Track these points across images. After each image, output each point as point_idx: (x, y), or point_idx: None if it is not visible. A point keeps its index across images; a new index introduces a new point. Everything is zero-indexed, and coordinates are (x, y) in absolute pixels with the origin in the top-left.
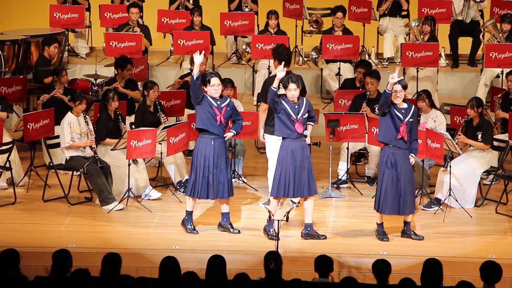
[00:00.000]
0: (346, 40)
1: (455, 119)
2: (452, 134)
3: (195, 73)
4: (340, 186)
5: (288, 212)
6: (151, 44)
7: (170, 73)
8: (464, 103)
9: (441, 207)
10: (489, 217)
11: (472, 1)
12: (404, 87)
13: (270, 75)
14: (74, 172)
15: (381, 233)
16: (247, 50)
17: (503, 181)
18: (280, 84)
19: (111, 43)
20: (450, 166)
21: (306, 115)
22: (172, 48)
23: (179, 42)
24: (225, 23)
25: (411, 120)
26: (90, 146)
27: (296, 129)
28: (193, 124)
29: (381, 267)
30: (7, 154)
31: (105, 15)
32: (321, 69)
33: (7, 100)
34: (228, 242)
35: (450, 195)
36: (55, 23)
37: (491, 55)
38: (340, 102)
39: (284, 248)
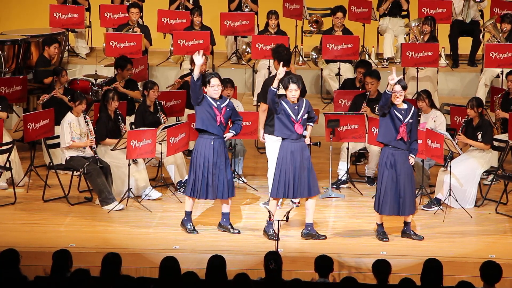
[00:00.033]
0: (346, 40)
1: (455, 119)
2: (452, 134)
3: (196, 74)
4: (340, 186)
5: (288, 212)
6: (151, 45)
7: (170, 73)
8: (464, 103)
9: (441, 207)
10: (489, 217)
11: (472, 1)
12: (404, 88)
13: (270, 75)
14: (74, 172)
15: (381, 233)
16: (247, 50)
17: (503, 181)
18: (280, 84)
19: (111, 43)
20: (450, 166)
21: (306, 116)
22: (172, 48)
23: (179, 42)
24: (225, 23)
25: (410, 120)
26: (90, 146)
27: (295, 130)
28: (193, 124)
29: (381, 267)
30: (7, 154)
31: (105, 15)
32: (321, 69)
33: (7, 100)
34: (228, 242)
35: (450, 195)
36: (55, 23)
37: (491, 55)
38: (340, 102)
39: (284, 248)
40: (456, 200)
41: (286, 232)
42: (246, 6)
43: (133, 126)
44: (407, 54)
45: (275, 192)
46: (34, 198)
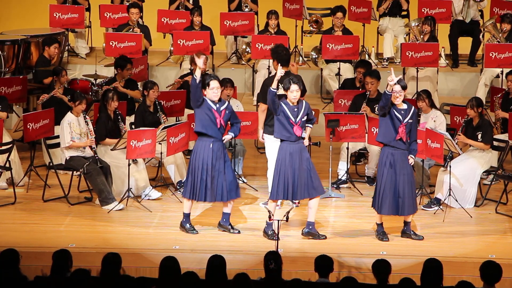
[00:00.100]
0: (346, 40)
1: (455, 119)
2: (452, 134)
3: (198, 75)
4: (340, 186)
5: (288, 212)
6: (150, 45)
7: (170, 73)
8: (464, 103)
9: (441, 207)
10: (489, 217)
11: (472, 1)
12: (404, 88)
13: (270, 75)
14: (74, 172)
15: (381, 233)
16: (247, 50)
17: (503, 181)
18: (280, 84)
19: (111, 43)
20: (450, 166)
21: (305, 118)
22: (172, 48)
23: (179, 42)
24: (225, 23)
25: (410, 121)
26: (90, 146)
27: (294, 132)
28: (193, 124)
29: (381, 267)
30: (7, 154)
31: (105, 15)
32: (321, 69)
33: (7, 100)
34: (228, 242)
35: (450, 195)
36: (55, 23)
37: (491, 55)
38: (340, 102)
39: (284, 248)
40: (456, 200)
41: (286, 232)
42: (246, 6)
43: (133, 126)
44: (407, 54)
45: (275, 193)
46: (34, 198)
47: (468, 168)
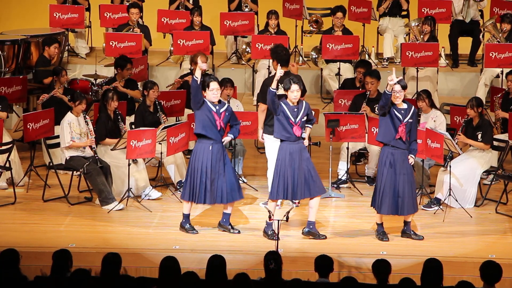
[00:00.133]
0: (346, 40)
1: (455, 119)
2: (452, 134)
3: (198, 77)
4: (340, 186)
5: (288, 212)
6: (150, 45)
7: (170, 73)
8: (464, 103)
9: (441, 207)
10: (489, 217)
11: (472, 0)
12: (404, 87)
13: (270, 75)
14: (74, 172)
15: (381, 233)
16: (247, 50)
17: (503, 181)
18: (279, 85)
19: (111, 43)
20: (450, 166)
21: (305, 118)
22: (172, 48)
23: (179, 42)
24: (225, 23)
25: (410, 120)
26: (90, 146)
27: (294, 132)
28: (193, 124)
29: (381, 267)
30: (7, 154)
31: (105, 15)
32: (321, 69)
33: (7, 100)
34: (228, 242)
35: (450, 195)
36: (55, 23)
37: (491, 55)
38: (340, 102)
39: (284, 248)
40: (456, 200)
41: (286, 232)
42: (246, 6)
43: (133, 126)
44: (407, 54)
45: (275, 193)
46: (34, 198)
47: (468, 168)
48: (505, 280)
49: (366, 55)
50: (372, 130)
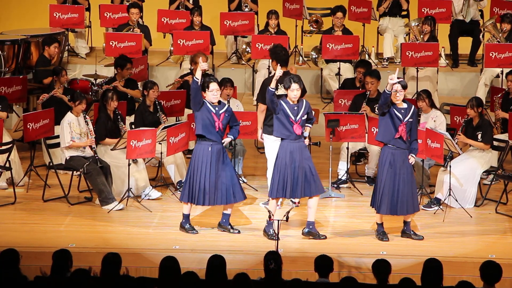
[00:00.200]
0: (346, 40)
1: (455, 119)
2: (452, 134)
3: (199, 77)
4: (340, 186)
5: (288, 212)
6: (150, 45)
7: (170, 73)
8: (464, 103)
9: (441, 207)
10: (489, 217)
11: (472, 0)
12: (404, 87)
13: (270, 75)
14: (74, 172)
15: (381, 233)
16: (247, 50)
17: (503, 181)
18: (279, 84)
19: (111, 43)
20: (450, 166)
21: (305, 116)
22: (172, 48)
23: (179, 42)
24: (225, 23)
25: (410, 120)
26: (90, 146)
27: (294, 131)
28: (193, 124)
29: (381, 267)
30: (7, 154)
31: (105, 15)
32: (321, 69)
33: (7, 100)
34: (228, 242)
35: (450, 195)
36: (55, 23)
37: (491, 55)
38: (340, 102)
39: (284, 248)
40: (456, 200)
41: (286, 232)
42: (246, 6)
43: (133, 126)
44: (407, 54)
45: (275, 191)
46: (34, 198)
47: (468, 168)
48: (505, 280)
49: (366, 55)
50: (372, 130)
